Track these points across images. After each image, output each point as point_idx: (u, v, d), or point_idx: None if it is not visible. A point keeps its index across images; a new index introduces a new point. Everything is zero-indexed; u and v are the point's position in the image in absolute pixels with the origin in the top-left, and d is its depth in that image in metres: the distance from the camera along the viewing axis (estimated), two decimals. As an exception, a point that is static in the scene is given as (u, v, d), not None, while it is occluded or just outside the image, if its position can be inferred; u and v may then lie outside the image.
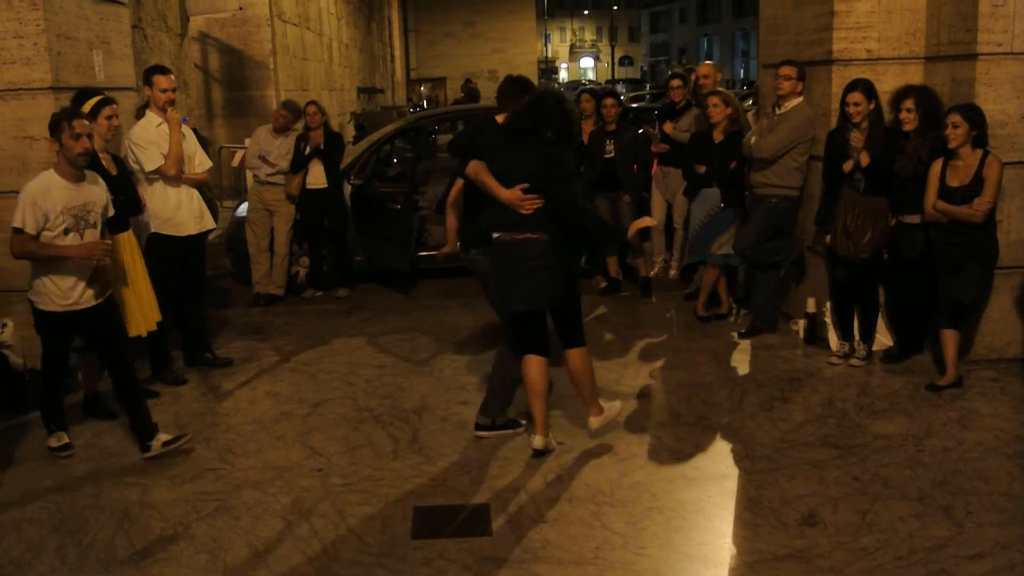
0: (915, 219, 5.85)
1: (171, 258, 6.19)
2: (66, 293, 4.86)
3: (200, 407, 5.85)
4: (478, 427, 5.23)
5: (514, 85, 5.36)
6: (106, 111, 5.53)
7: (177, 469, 4.91)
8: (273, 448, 5.18)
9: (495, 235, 4.87)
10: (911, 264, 5.98)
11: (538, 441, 4.92)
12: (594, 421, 5.08)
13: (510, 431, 5.21)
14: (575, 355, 4.99)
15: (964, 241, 5.62)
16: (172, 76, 6.26)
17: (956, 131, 5.54)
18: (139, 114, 6.29)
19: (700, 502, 4.41)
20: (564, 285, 4.86)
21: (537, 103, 4.87)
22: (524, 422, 5.23)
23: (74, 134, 4.69)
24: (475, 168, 4.92)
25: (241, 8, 13.19)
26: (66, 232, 4.78)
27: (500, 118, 5.18)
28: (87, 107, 5.40)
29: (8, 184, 5.91)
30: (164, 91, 6.12)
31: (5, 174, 5.94)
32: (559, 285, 4.82)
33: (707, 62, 10.32)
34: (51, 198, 4.72)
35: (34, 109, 5.91)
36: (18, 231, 4.71)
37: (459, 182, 5.40)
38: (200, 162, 6.43)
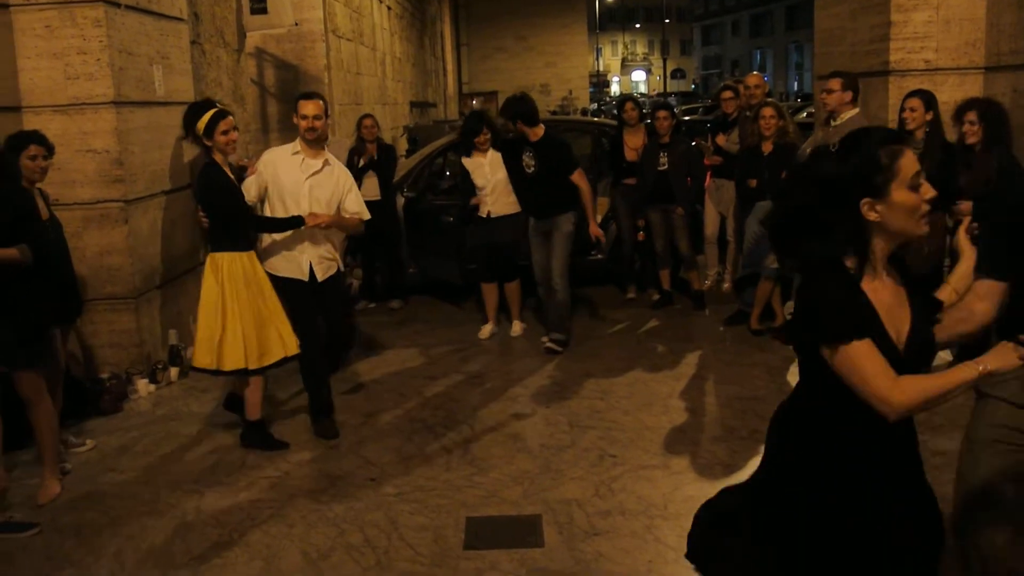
0: None
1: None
2: None
3: (255, 416, 5.92)
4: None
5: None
6: (221, 126, 5.20)
7: (232, 477, 4.98)
8: (327, 457, 5.23)
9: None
10: None
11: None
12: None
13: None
14: None
15: None
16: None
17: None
18: None
19: (754, 517, 4.35)
20: None
21: None
22: None
23: None
24: None
25: (297, 24, 13.40)
26: None
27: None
28: (201, 124, 5.17)
29: (70, 196, 6.03)
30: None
31: (68, 187, 6.05)
32: None
33: (754, 73, 10.23)
34: None
35: (97, 123, 6.04)
36: None
37: None
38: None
